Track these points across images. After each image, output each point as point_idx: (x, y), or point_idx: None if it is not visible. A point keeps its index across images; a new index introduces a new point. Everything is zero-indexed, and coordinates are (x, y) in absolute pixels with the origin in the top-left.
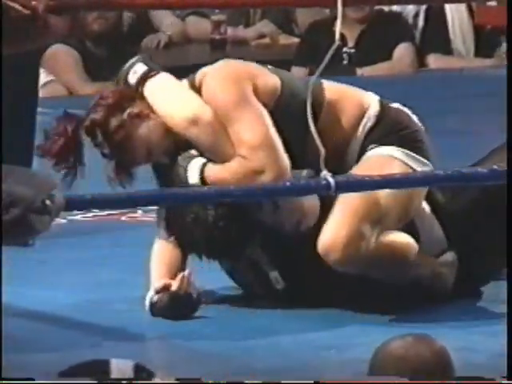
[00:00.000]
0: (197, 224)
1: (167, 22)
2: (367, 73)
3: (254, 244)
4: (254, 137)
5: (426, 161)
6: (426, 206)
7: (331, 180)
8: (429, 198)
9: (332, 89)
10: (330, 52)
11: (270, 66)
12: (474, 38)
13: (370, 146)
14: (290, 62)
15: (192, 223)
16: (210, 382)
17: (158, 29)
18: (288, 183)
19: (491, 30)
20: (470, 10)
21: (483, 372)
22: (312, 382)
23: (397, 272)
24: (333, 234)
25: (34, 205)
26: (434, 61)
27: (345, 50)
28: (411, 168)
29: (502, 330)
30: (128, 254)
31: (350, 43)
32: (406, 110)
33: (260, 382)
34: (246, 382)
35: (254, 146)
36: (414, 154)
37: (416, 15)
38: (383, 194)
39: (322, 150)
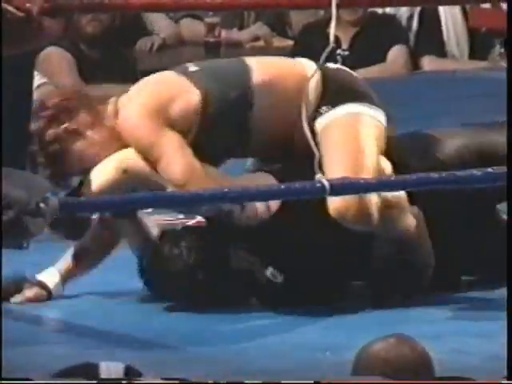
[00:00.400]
0: (177, 265)
1: (161, 24)
2: (361, 75)
3: (237, 252)
4: (177, 174)
5: (380, 110)
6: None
7: (326, 183)
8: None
9: (261, 70)
10: (325, 54)
11: (195, 69)
12: (468, 40)
13: (325, 110)
14: None
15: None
16: (210, 382)
17: (151, 31)
18: (283, 186)
19: (485, 33)
20: (465, 13)
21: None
22: (312, 382)
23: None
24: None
25: (28, 207)
26: (427, 63)
27: (339, 52)
28: (377, 119)
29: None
30: (124, 257)
31: (344, 45)
32: (342, 66)
33: (260, 382)
34: (246, 382)
35: (179, 184)
36: (370, 105)
37: (410, 17)
38: (362, 136)
39: (317, 153)
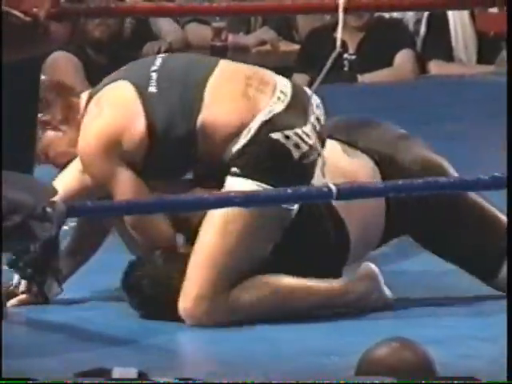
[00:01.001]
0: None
1: (167, 28)
2: (368, 79)
3: None
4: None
5: None
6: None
7: (333, 187)
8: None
9: (211, 108)
10: (331, 59)
11: (154, 90)
12: (476, 44)
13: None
14: (291, 69)
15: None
16: (210, 381)
17: (158, 36)
18: (289, 190)
19: (493, 37)
20: (473, 17)
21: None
22: (312, 382)
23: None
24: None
25: (35, 212)
26: (434, 67)
27: (345, 56)
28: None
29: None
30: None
31: (351, 50)
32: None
33: (260, 382)
34: (246, 381)
35: (131, 225)
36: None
37: (417, 22)
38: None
39: (324, 158)
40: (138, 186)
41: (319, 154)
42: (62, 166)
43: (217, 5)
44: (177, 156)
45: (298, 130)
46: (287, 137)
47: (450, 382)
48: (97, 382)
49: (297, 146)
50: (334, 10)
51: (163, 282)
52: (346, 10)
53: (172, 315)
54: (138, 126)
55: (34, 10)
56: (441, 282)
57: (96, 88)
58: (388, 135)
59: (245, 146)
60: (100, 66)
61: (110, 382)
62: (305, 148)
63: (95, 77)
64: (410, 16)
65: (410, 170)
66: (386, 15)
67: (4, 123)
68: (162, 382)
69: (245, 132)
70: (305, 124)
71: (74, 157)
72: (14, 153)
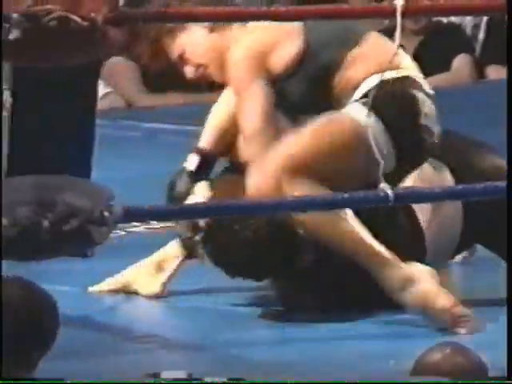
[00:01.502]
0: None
1: None
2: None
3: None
4: (249, 127)
5: None
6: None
7: (390, 192)
8: None
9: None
10: (390, 63)
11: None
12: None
13: None
14: None
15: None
16: (210, 381)
17: None
18: (346, 195)
19: None
20: None
21: None
22: (313, 381)
23: None
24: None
25: (92, 216)
26: (493, 72)
27: None
28: None
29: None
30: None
31: (409, 54)
32: None
33: (260, 382)
34: (247, 381)
35: (247, 136)
36: None
37: (475, 26)
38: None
39: (381, 162)
40: (267, 107)
41: None
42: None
43: (274, 9)
44: (310, 91)
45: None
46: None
47: (502, 381)
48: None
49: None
50: (392, 14)
51: None
52: (403, 15)
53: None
54: (291, 43)
55: (92, 14)
56: None
57: None
58: (462, 143)
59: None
60: (157, 71)
61: (108, 382)
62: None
63: (152, 81)
64: (468, 21)
65: (485, 178)
66: (444, 20)
67: (62, 128)
68: (210, 381)
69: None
70: None
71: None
72: (71, 158)
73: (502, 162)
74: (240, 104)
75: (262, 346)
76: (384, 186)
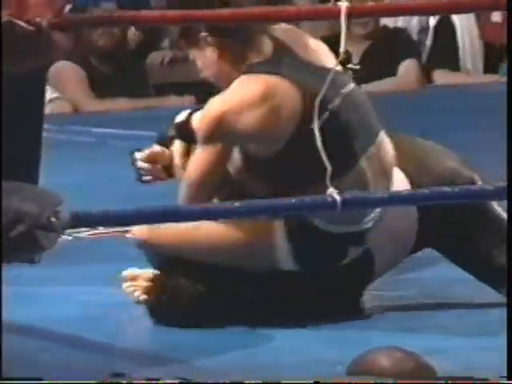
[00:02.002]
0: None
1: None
2: (372, 89)
3: None
4: (189, 176)
5: None
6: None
7: (337, 197)
8: None
9: None
10: (334, 68)
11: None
12: (483, 54)
13: None
14: None
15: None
16: (211, 381)
17: (163, 45)
18: (293, 200)
19: (500, 47)
20: (480, 27)
21: None
22: (312, 381)
23: None
24: None
25: (39, 221)
26: (440, 77)
27: (349, 66)
28: None
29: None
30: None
31: (355, 59)
32: None
33: (260, 381)
34: (246, 381)
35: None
36: None
37: (421, 31)
38: None
39: (329, 168)
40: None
41: None
42: None
43: (219, 12)
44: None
45: None
46: None
47: (446, 382)
48: (96, 382)
49: None
50: (337, 16)
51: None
52: (348, 16)
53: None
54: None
55: (37, 19)
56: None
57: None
58: (416, 147)
59: None
60: (104, 76)
61: (105, 382)
62: None
63: (99, 86)
64: (413, 25)
65: (439, 182)
66: (391, 25)
67: (8, 134)
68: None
69: None
70: None
71: None
72: (18, 163)
73: (458, 165)
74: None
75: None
76: (331, 191)
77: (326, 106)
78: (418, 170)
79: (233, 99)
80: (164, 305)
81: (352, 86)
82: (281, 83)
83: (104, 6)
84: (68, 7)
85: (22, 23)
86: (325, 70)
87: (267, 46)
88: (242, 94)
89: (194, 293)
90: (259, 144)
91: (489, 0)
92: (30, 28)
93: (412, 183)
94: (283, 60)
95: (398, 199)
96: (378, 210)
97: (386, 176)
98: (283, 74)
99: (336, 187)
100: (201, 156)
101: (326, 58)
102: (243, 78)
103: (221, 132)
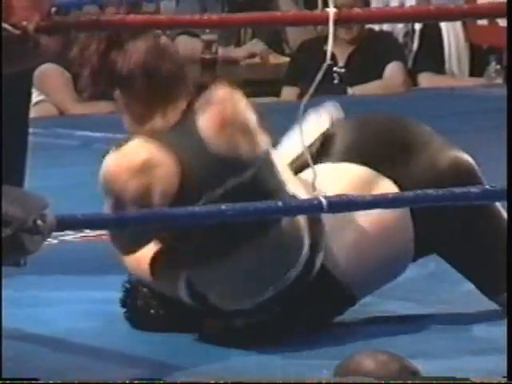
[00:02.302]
0: None
1: None
2: (358, 92)
3: None
4: None
5: None
6: None
7: (323, 200)
8: None
9: None
10: (321, 71)
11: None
12: (469, 57)
13: None
14: (281, 82)
15: None
16: (212, 381)
17: None
18: (280, 203)
19: (486, 50)
20: (466, 30)
21: None
22: (311, 381)
23: None
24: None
25: (25, 225)
26: (425, 80)
27: (335, 69)
28: None
29: None
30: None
31: (341, 62)
32: None
33: (259, 382)
34: (245, 381)
35: None
36: None
37: (406, 34)
38: None
39: (314, 169)
40: None
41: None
42: None
43: (207, 17)
44: None
45: None
46: None
47: (429, 381)
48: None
49: None
50: (325, 22)
51: None
52: (336, 22)
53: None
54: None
55: (24, 23)
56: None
57: None
58: (399, 151)
59: None
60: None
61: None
62: None
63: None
64: (399, 29)
65: (437, 169)
66: (376, 28)
67: None
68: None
69: None
70: None
71: None
72: (5, 166)
73: (456, 153)
74: None
75: None
76: (317, 194)
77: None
78: (402, 176)
79: (119, 162)
80: (140, 310)
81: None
82: (164, 158)
83: (86, 9)
84: (53, 10)
85: (7, 27)
86: (226, 160)
87: (175, 113)
88: (128, 159)
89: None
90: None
91: (470, 8)
92: (16, 31)
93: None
94: (182, 133)
95: (384, 202)
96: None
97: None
98: (172, 148)
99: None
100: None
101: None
102: (137, 141)
103: (110, 190)
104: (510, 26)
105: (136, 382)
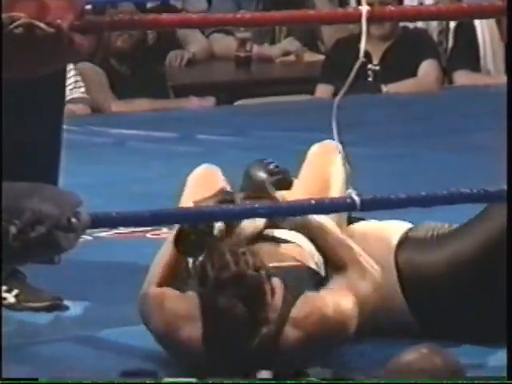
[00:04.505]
0: None
1: (192, 38)
2: (392, 90)
3: None
4: None
5: None
6: None
7: (356, 198)
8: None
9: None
10: (355, 69)
11: None
12: (504, 54)
13: None
14: (316, 80)
15: None
16: (216, 381)
17: (182, 45)
18: (313, 201)
19: None
20: (500, 27)
21: None
22: (313, 381)
23: None
24: None
25: (59, 222)
26: (460, 78)
27: (369, 67)
28: None
29: None
30: None
31: (375, 60)
32: None
33: (260, 381)
34: (245, 382)
35: None
36: None
37: (441, 32)
38: None
39: (348, 167)
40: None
41: None
42: None
43: (241, 15)
44: None
45: None
46: None
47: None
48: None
49: None
50: (358, 19)
51: None
52: (369, 20)
53: None
54: None
55: (58, 21)
56: None
57: None
58: None
59: None
60: (124, 77)
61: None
62: None
63: (119, 87)
64: (433, 26)
65: None
66: (411, 25)
67: (29, 135)
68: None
69: None
70: None
71: None
72: (39, 163)
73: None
74: None
75: None
76: (351, 191)
77: None
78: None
79: None
80: None
81: None
82: None
83: (122, 6)
84: (87, 7)
85: (42, 25)
86: None
87: None
88: None
89: None
90: None
91: (504, 5)
92: (50, 30)
93: None
94: None
95: (416, 201)
96: None
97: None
98: None
99: None
100: None
101: None
102: None
103: None
104: (511, 26)
105: (135, 381)
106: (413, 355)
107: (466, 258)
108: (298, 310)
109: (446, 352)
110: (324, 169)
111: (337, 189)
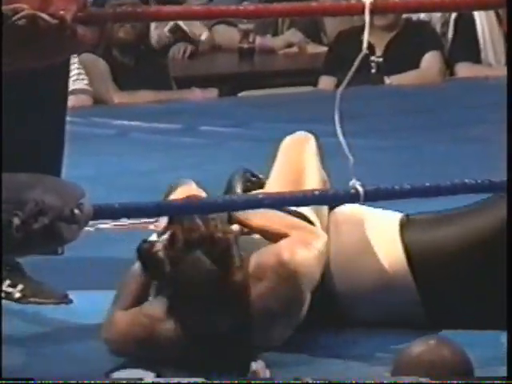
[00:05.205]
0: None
1: (195, 30)
2: (395, 81)
3: None
4: None
5: None
6: None
7: (360, 189)
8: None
9: None
10: (358, 61)
11: None
12: (504, 46)
13: None
14: (319, 71)
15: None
16: (215, 381)
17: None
18: (317, 192)
19: None
20: (499, 19)
21: None
22: (309, 381)
23: None
24: None
25: (62, 214)
26: (462, 69)
27: (373, 58)
28: None
29: None
30: None
31: (378, 52)
32: None
33: (259, 381)
34: (244, 381)
35: None
36: None
37: (444, 24)
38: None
39: (351, 158)
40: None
41: None
42: None
43: (244, 7)
44: None
45: None
46: None
47: (483, 381)
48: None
49: None
50: (361, 11)
51: None
52: (372, 12)
53: None
54: None
55: (61, 12)
56: None
57: None
58: None
59: None
60: (126, 68)
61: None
62: None
63: (122, 79)
64: (436, 18)
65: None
66: (414, 17)
67: (32, 127)
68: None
69: None
70: None
71: None
72: (42, 155)
73: None
74: None
75: None
76: (354, 182)
77: None
78: None
79: None
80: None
81: None
82: None
83: None
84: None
85: (45, 16)
86: None
87: None
88: None
89: None
90: None
91: None
92: (54, 21)
93: None
94: None
95: (421, 191)
96: None
97: None
98: None
99: None
100: None
101: None
102: None
103: None
104: (510, 24)
105: (135, 381)
106: (421, 347)
107: (484, 234)
108: (256, 260)
109: (453, 343)
110: (297, 158)
111: (312, 177)
